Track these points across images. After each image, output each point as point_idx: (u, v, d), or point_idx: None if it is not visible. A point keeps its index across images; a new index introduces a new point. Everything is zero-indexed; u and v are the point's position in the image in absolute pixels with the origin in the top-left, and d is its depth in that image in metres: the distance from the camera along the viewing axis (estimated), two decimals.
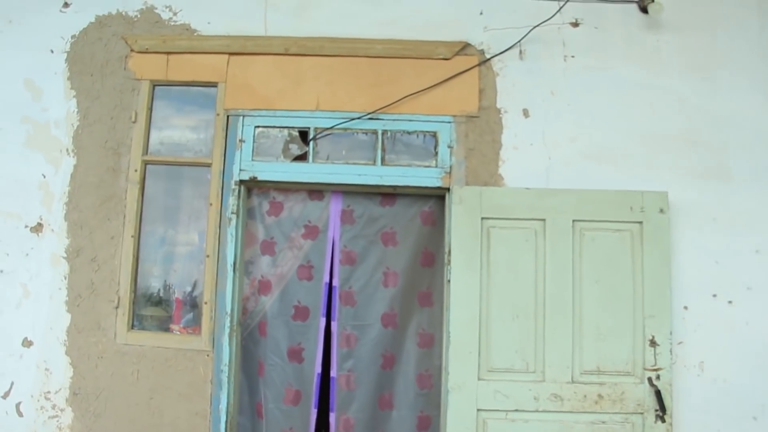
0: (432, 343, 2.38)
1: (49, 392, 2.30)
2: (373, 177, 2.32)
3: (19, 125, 2.43)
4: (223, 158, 2.34)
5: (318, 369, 2.35)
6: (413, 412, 2.34)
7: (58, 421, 2.29)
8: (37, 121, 2.42)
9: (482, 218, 2.22)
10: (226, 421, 2.25)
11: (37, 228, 2.37)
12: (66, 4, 2.49)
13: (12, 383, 2.31)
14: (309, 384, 2.34)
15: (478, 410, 2.14)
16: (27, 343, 2.33)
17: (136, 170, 2.36)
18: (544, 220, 2.21)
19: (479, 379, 2.15)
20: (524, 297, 2.18)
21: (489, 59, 2.37)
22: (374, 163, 2.33)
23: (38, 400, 2.30)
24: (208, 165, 2.36)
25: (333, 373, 2.35)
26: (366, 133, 2.37)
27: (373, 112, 2.33)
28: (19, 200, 2.38)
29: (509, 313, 2.18)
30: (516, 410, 2.15)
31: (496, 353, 2.17)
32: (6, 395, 2.31)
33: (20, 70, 2.44)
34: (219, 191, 2.32)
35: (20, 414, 2.29)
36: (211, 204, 2.33)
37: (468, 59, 2.38)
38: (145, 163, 2.39)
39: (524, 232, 2.22)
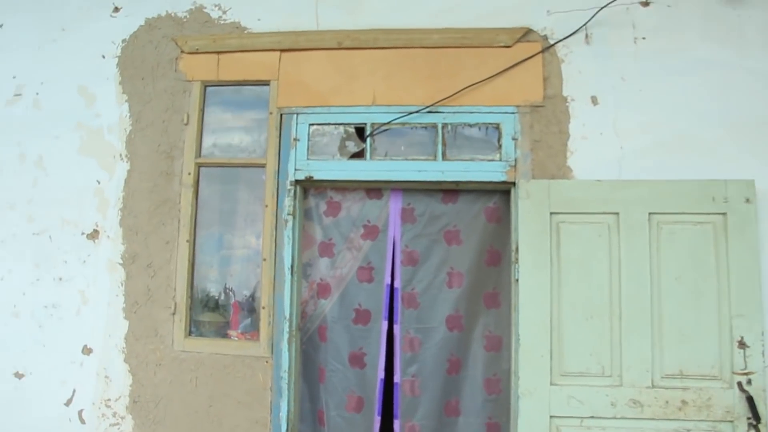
0: (500, 346, 2.67)
1: (109, 400, 2.71)
2: (434, 173, 2.64)
3: (73, 132, 2.86)
4: (277, 158, 2.71)
5: (381, 374, 2.67)
6: (481, 418, 2.63)
7: (119, 428, 2.68)
8: (90, 127, 2.85)
9: (551, 213, 2.49)
10: (287, 429, 2.58)
11: (94, 234, 2.79)
12: (116, 9, 2.92)
13: (74, 390, 2.73)
14: (372, 390, 2.67)
15: (551, 417, 2.37)
16: (87, 350, 2.74)
17: (189, 173, 2.76)
18: (617, 213, 2.44)
19: (552, 384, 2.40)
20: (598, 296, 2.41)
21: (553, 45, 2.66)
22: (435, 159, 2.65)
23: (99, 408, 2.71)
24: (263, 165, 2.74)
25: (396, 378, 2.66)
26: (425, 128, 2.69)
27: (432, 105, 2.66)
28: (75, 207, 2.80)
29: (582, 313, 2.42)
30: (592, 417, 2.37)
31: (569, 356, 2.41)
32: (69, 402, 2.72)
33: (74, 77, 2.87)
34: (274, 192, 2.69)
35: (83, 421, 2.70)
36: (266, 205, 2.70)
37: (531, 46, 2.67)
38: (199, 165, 2.78)
39: (597, 227, 2.46)
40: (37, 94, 2.92)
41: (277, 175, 2.70)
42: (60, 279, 2.78)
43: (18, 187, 2.86)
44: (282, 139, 2.73)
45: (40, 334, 2.77)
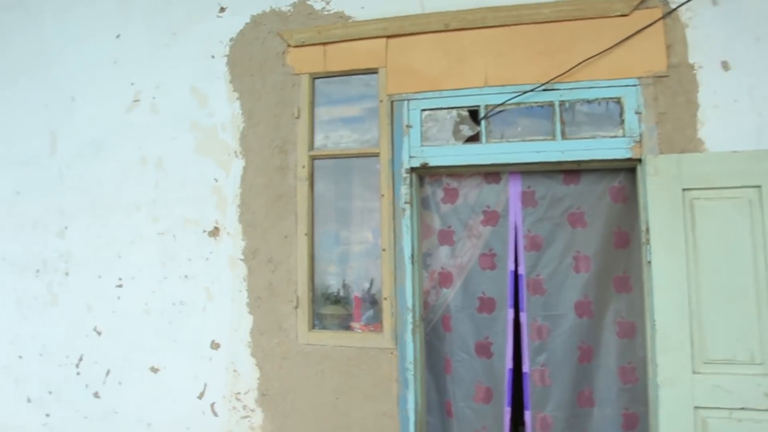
0: (633, 332, 3.02)
1: (239, 393, 3.30)
2: (553, 153, 3.01)
3: (189, 132, 3.48)
4: (390, 146, 3.19)
5: (509, 364, 3.09)
6: (617, 409, 2.99)
7: (249, 421, 3.27)
8: (205, 127, 3.46)
9: (683, 190, 2.75)
10: (415, 422, 3.06)
11: (214, 232, 3.40)
12: (222, 9, 3.50)
13: (205, 384, 3.35)
14: (500, 380, 3.10)
15: (696, 408, 2.62)
16: (215, 345, 3.36)
17: (303, 166, 3.30)
18: (759, 187, 2.64)
19: (694, 372, 2.64)
20: (741, 277, 2.63)
21: (674, 9, 2.93)
22: (553, 138, 3.03)
23: (230, 401, 3.31)
24: (376, 155, 3.22)
25: (525, 368, 3.08)
26: (542, 106, 3.07)
27: (547, 83, 3.03)
28: (196, 206, 3.41)
29: (723, 296, 2.65)
30: (743, 408, 2.59)
31: (711, 343, 2.64)
32: (201, 396, 3.35)
33: (186, 79, 3.49)
34: (390, 181, 3.17)
35: (215, 414, 3.32)
36: (382, 195, 3.18)
37: (650, 12, 2.96)
38: (312, 158, 3.31)
39: (735, 202, 2.68)
40: (154, 98, 3.56)
41: (392, 163, 3.17)
42: (185, 277, 3.40)
43: (142, 189, 3.51)
44: (394, 126, 3.20)
45: (170, 330, 3.40)
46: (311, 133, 3.29)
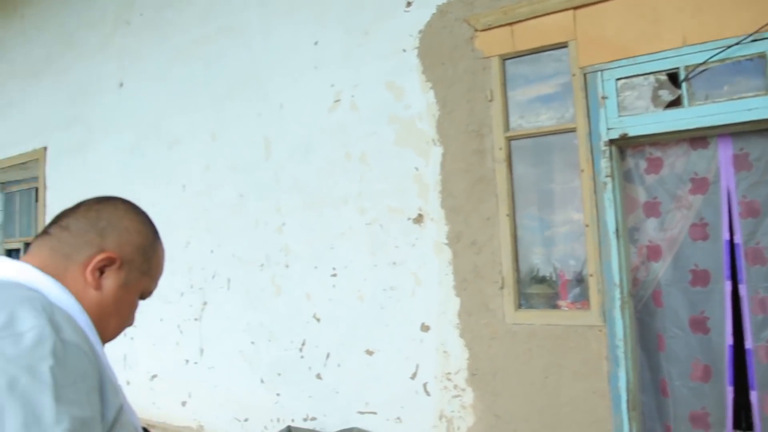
0: None
1: (449, 373, 4.07)
2: (767, 110, 3.31)
3: (388, 125, 4.34)
4: (587, 120, 3.70)
5: (729, 340, 3.42)
6: None
7: (461, 400, 4.02)
8: (402, 119, 4.29)
9: None
10: (627, 400, 3.54)
11: (418, 219, 4.21)
12: (408, 3, 4.30)
13: (417, 365, 4.18)
14: (719, 357, 3.44)
15: None
16: (425, 327, 4.17)
17: (500, 148, 3.96)
18: None
19: None
20: None
21: None
22: (767, 93, 3.33)
23: (441, 381, 4.09)
24: (573, 130, 3.76)
25: (748, 344, 3.38)
26: (751, 59, 3.35)
27: (756, 32, 3.32)
28: (399, 195, 4.25)
29: None
30: None
31: None
32: (413, 376, 4.18)
33: (381, 75, 4.36)
34: (588, 155, 3.69)
35: (428, 393, 4.12)
36: (582, 170, 3.71)
37: None
38: (509, 139, 3.95)
39: None
40: (353, 96, 4.49)
41: (589, 137, 3.68)
42: (394, 263, 4.26)
43: (348, 183, 4.44)
44: (589, 99, 3.71)
45: (382, 314, 4.29)
46: (506, 115, 3.93)
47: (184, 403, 5.39)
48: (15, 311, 1.01)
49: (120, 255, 1.28)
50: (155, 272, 1.39)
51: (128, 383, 5.81)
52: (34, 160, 7.07)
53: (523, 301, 3.82)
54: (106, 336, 1.29)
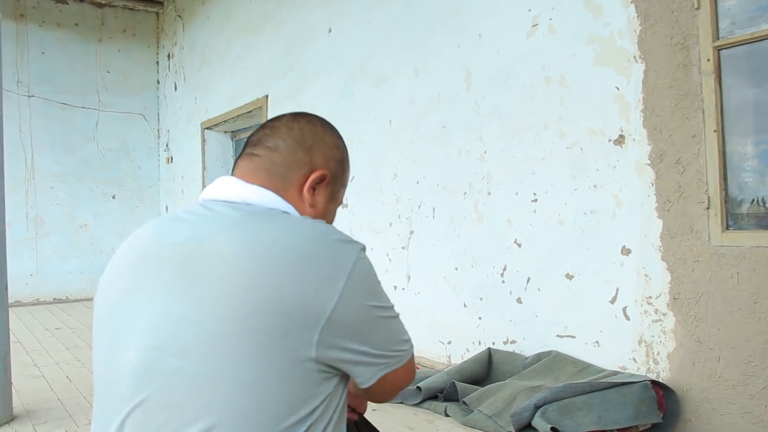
0: None
1: (650, 297, 4.03)
2: None
3: (587, 46, 4.29)
4: None
5: None
6: None
7: (661, 325, 3.97)
8: (601, 37, 4.22)
9: None
10: None
11: (619, 140, 4.16)
12: None
13: (617, 289, 4.18)
14: None
15: None
16: (625, 251, 4.14)
17: (708, 60, 3.76)
18: None
19: None
20: None
21: None
22: None
23: (641, 305, 4.06)
24: None
25: None
26: None
27: None
28: (599, 117, 4.20)
29: None
30: None
31: None
32: (613, 300, 4.19)
33: None
34: None
35: (627, 317, 4.12)
36: None
37: None
38: (717, 49, 3.74)
39: None
40: (551, 19, 4.48)
41: None
42: (594, 186, 4.26)
43: (548, 107, 4.47)
44: None
45: (582, 238, 4.32)
46: (715, 23, 3.73)
47: None
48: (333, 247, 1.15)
49: (328, 171, 1.34)
50: (347, 181, 1.44)
51: None
52: (258, 108, 7.93)
53: (731, 221, 3.67)
54: None
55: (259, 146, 1.32)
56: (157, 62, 11.94)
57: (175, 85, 11.25)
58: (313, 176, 1.31)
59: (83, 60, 10.89)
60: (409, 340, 1.29)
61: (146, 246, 1.19)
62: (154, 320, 1.09)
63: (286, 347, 1.06)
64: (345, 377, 1.23)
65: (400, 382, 1.29)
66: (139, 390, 1.10)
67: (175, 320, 1.07)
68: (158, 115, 11.77)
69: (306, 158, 1.31)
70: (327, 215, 1.36)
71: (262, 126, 1.37)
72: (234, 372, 1.02)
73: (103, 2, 11.06)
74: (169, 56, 11.60)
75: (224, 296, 1.04)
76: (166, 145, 11.35)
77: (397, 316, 1.28)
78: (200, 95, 10.18)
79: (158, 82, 11.87)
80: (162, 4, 11.46)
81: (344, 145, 1.43)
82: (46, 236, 9.92)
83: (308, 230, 1.12)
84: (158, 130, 11.72)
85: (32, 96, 10.37)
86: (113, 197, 10.27)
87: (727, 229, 3.66)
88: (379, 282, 1.23)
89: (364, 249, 1.19)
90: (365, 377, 1.22)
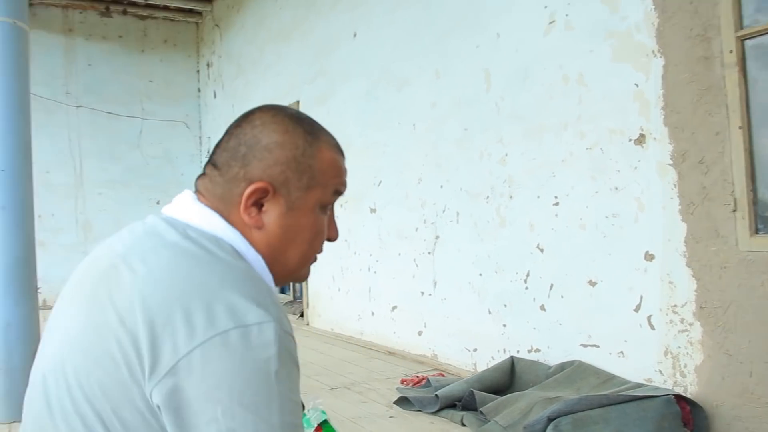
0: None
1: (675, 306, 3.78)
2: None
3: (604, 41, 4.05)
4: None
5: None
6: None
7: (688, 335, 3.71)
8: (618, 32, 3.98)
9: None
10: None
11: (640, 139, 3.93)
12: None
13: (641, 297, 3.94)
14: None
15: None
16: (648, 256, 3.91)
17: (731, 51, 3.50)
18: None
19: None
20: None
21: None
22: None
23: (666, 314, 3.82)
24: None
25: None
26: None
27: None
28: (618, 115, 3.95)
29: None
30: None
31: None
32: (637, 308, 3.96)
33: None
34: None
35: (652, 327, 3.86)
36: None
37: None
38: (741, 39, 3.47)
39: None
40: (567, 15, 4.26)
41: None
42: (615, 188, 4.04)
43: (566, 107, 4.25)
44: None
45: (604, 243, 4.10)
46: (738, 11, 3.46)
47: (419, 333, 5.73)
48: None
49: (269, 180, 1.08)
50: (324, 177, 1.14)
51: (372, 314, 6.32)
52: None
53: (761, 225, 3.42)
54: (287, 273, 1.16)
55: (207, 163, 1.16)
56: (198, 71, 12.11)
57: (215, 92, 11.38)
58: (247, 192, 1.07)
59: (127, 70, 11.18)
60: None
61: (88, 258, 1.13)
62: (58, 337, 1.04)
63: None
64: None
65: None
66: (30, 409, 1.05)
67: (68, 341, 1.00)
68: (200, 122, 11.94)
69: (241, 171, 1.08)
70: (288, 232, 1.10)
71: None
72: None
73: (145, 14, 11.31)
74: (208, 65, 11.74)
75: (99, 326, 0.97)
76: (208, 152, 11.47)
77: None
78: (237, 102, 10.27)
79: (199, 90, 12.03)
80: (201, 14, 11.62)
81: (300, 138, 1.13)
82: (95, 241, 10.09)
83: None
84: (200, 138, 11.89)
85: (80, 106, 10.71)
86: (157, 203, 10.46)
87: (756, 233, 3.42)
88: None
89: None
90: None
